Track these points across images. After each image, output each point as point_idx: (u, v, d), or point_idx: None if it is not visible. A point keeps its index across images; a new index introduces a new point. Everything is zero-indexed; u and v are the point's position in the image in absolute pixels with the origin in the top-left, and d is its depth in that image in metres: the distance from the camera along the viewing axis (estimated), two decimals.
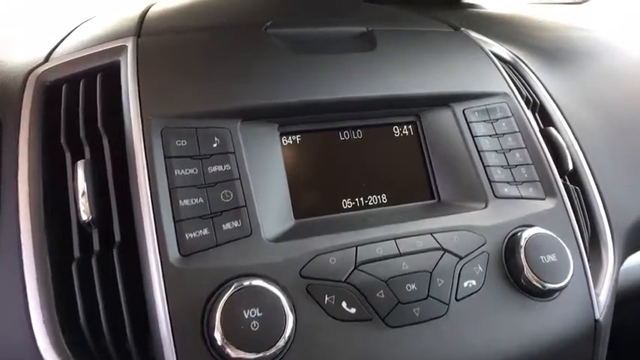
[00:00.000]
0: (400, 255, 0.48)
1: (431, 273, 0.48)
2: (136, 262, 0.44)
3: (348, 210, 0.55)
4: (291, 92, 0.54)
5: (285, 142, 0.55)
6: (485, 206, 0.55)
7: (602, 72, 0.86)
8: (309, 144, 0.56)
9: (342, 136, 0.57)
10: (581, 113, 0.73)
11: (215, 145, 0.50)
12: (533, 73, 0.76)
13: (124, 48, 0.56)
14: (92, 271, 0.44)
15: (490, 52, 0.68)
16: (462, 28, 0.72)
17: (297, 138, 0.56)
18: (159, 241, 0.44)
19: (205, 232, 0.46)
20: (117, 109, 0.51)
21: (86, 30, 0.66)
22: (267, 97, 0.53)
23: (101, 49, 0.57)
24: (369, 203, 0.56)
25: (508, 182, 0.57)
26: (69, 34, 0.66)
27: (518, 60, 0.78)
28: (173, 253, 0.43)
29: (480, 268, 0.50)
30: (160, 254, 0.43)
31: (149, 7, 0.68)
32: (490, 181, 0.56)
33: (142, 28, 0.59)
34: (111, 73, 0.54)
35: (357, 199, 0.56)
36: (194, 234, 0.45)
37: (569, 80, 0.79)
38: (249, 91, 0.53)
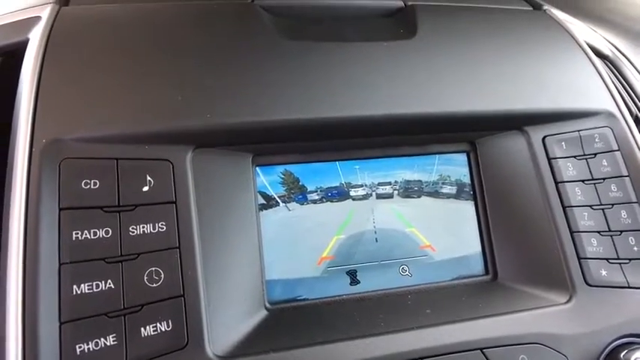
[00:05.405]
0: None
1: None
2: None
3: (352, 292, 0.40)
4: (277, 104, 0.38)
5: (263, 180, 0.40)
6: (570, 299, 0.40)
7: None
8: None
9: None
10: None
11: (146, 188, 0.34)
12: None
13: (37, 21, 0.41)
14: None
15: (586, 45, 0.50)
16: (546, 6, 0.52)
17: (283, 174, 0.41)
18: None
19: (110, 340, 0.31)
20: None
21: None
22: (237, 112, 0.37)
23: (7, 22, 0.42)
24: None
25: (608, 260, 0.41)
26: None
27: (617, 53, 0.60)
28: None
29: None
30: None
31: None
32: (579, 257, 0.41)
33: None
34: (14, 61, 0.39)
35: (372, 272, 0.41)
36: (90, 344, 0.30)
37: None
38: (208, 100, 0.37)
